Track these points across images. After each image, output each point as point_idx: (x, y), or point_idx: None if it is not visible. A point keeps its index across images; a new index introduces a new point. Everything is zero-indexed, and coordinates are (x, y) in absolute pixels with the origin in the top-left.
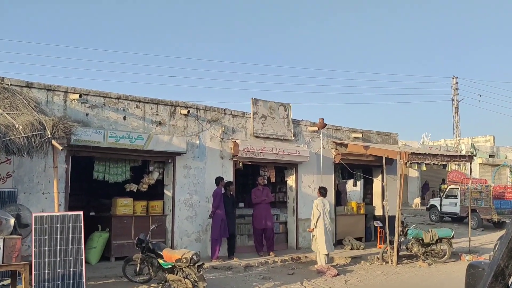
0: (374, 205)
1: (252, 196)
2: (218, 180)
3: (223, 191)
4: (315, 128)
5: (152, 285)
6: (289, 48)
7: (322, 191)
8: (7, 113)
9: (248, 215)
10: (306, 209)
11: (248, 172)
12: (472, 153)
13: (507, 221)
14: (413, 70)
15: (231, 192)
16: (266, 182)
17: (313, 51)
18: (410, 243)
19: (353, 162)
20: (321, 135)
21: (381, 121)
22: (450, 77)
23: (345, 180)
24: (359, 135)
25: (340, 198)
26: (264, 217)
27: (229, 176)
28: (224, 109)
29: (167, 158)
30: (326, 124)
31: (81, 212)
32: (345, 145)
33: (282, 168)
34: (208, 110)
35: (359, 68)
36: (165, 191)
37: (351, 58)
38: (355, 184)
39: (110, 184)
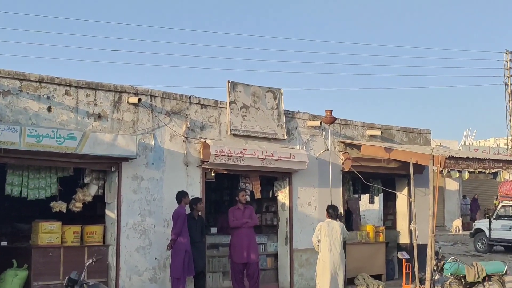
0: (398, 229)
1: (229, 218)
2: (181, 196)
3: (188, 211)
4: (317, 123)
5: None
6: (287, 20)
7: (331, 212)
8: None
9: (224, 244)
10: (304, 236)
11: (223, 185)
12: None
13: None
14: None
15: (199, 213)
16: (248, 198)
17: (318, 23)
18: (448, 282)
19: (369, 170)
20: (324, 133)
21: (408, 113)
22: (502, 52)
23: (357, 196)
24: (377, 133)
25: (351, 220)
26: (245, 247)
27: (196, 191)
28: (190, 97)
29: (109, 166)
30: (336, 119)
31: None
32: (358, 147)
33: (271, 178)
34: (167, 98)
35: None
36: (106, 211)
37: (364, 33)
38: (371, 201)
39: (29, 202)
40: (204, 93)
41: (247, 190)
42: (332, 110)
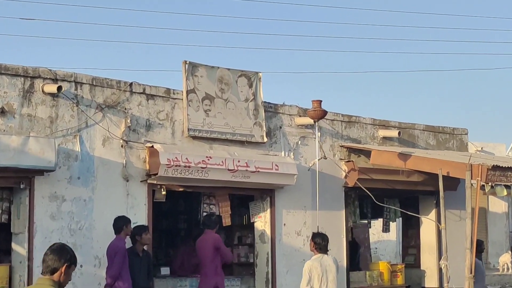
0: (422, 268)
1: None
2: (122, 223)
3: (129, 244)
4: (309, 121)
5: None
6: None
7: (319, 242)
8: None
9: None
10: (291, 279)
11: (177, 208)
12: None
13: None
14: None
15: (145, 247)
16: (215, 225)
17: None
18: None
19: (382, 186)
20: (320, 134)
21: (436, 107)
22: None
23: (366, 221)
24: (394, 133)
25: (358, 255)
26: None
27: (140, 216)
28: (131, 84)
29: (16, 181)
30: (326, 112)
31: None
32: (367, 153)
33: (245, 198)
34: (99, 85)
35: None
36: (13, 246)
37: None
38: (386, 229)
39: None
40: (152, 79)
41: (212, 214)
42: (321, 101)
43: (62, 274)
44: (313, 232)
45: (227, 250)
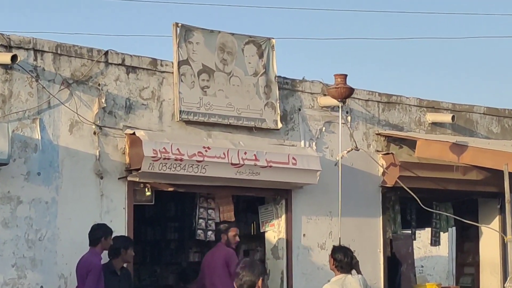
0: None
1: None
2: (100, 234)
3: (104, 260)
4: (335, 101)
5: None
6: None
7: (340, 259)
8: None
9: None
10: None
11: (167, 213)
12: None
13: None
14: None
15: (125, 264)
16: (211, 236)
17: None
18: None
19: (431, 186)
20: (350, 118)
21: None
22: None
23: (410, 231)
24: (446, 118)
25: (399, 275)
26: None
27: (118, 223)
28: (106, 53)
29: None
30: (353, 90)
31: None
32: (411, 143)
33: (254, 201)
34: (65, 54)
35: None
36: None
37: None
38: (435, 242)
39: None
40: (134, 47)
41: (208, 220)
42: (346, 75)
43: None
44: (333, 246)
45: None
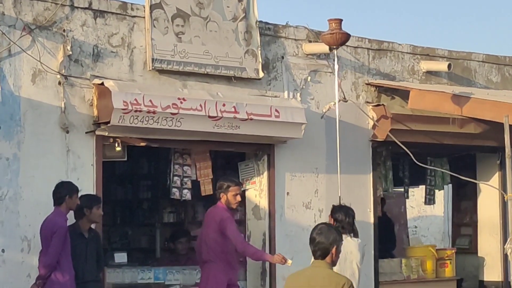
0: (480, 255)
1: (231, 232)
2: (64, 192)
3: (70, 221)
4: (323, 48)
5: None
6: None
7: (341, 219)
8: None
9: (138, 283)
10: (297, 269)
11: (139, 170)
12: None
13: None
14: None
15: (93, 226)
16: (187, 195)
17: None
18: None
19: (425, 140)
20: (337, 67)
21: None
22: None
23: (403, 189)
24: (442, 66)
25: (392, 235)
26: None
27: (86, 182)
28: None
29: None
30: (349, 36)
31: None
32: (404, 94)
33: (233, 157)
34: None
35: None
36: None
37: None
38: (429, 200)
39: None
40: None
41: (183, 178)
42: (341, 20)
43: (333, 255)
44: (333, 205)
45: (234, 234)
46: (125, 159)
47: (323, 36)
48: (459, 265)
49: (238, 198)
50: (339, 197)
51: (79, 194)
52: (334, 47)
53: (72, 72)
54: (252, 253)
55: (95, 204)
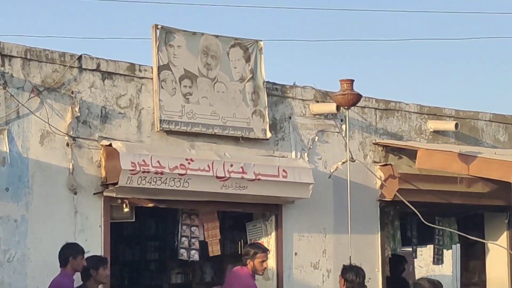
0: None
1: None
2: (70, 253)
3: (77, 282)
4: (331, 108)
5: None
6: None
7: (352, 279)
8: None
9: None
10: None
11: (146, 231)
12: None
13: None
14: None
15: (100, 287)
16: (195, 256)
17: None
18: None
19: (433, 199)
20: (346, 127)
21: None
22: None
23: (411, 249)
24: (449, 126)
25: None
26: None
27: (93, 243)
28: (80, 57)
29: None
30: (360, 97)
31: None
32: (411, 153)
33: (241, 217)
34: (35, 59)
35: None
36: None
37: None
38: (437, 260)
39: None
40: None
41: (191, 239)
42: (352, 80)
43: None
44: (343, 266)
45: None
46: (133, 220)
47: (335, 97)
48: None
49: (265, 265)
50: (349, 257)
51: (86, 255)
52: (346, 107)
53: (80, 134)
54: None
55: (102, 265)
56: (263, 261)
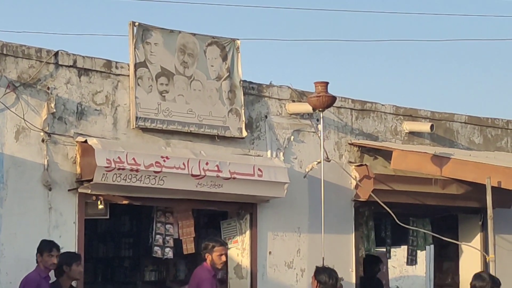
0: None
1: None
2: (42, 248)
3: (52, 278)
4: (306, 108)
5: None
6: None
7: (325, 281)
8: None
9: None
10: None
11: (121, 228)
12: None
13: None
14: None
15: (73, 283)
16: (169, 254)
17: None
18: None
19: (408, 200)
20: (321, 127)
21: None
22: None
23: (385, 250)
24: (425, 127)
25: None
26: None
27: (68, 239)
28: (56, 53)
29: None
30: (335, 99)
31: None
32: (387, 154)
33: (215, 216)
34: (11, 54)
35: None
36: None
37: None
38: (411, 261)
39: None
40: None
41: (165, 236)
42: (327, 83)
43: None
44: (316, 267)
45: None
46: (107, 217)
47: (309, 99)
48: None
49: (223, 258)
50: (323, 258)
51: (61, 251)
52: (320, 109)
53: (56, 130)
54: None
55: (75, 261)
56: (221, 255)
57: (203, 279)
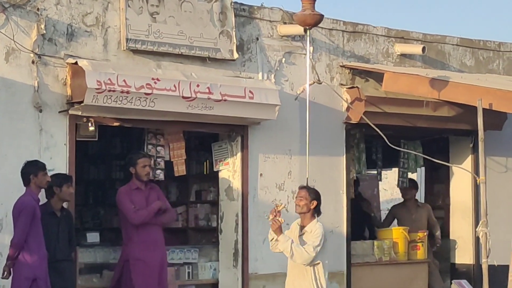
0: (452, 237)
1: (124, 206)
2: (31, 171)
3: (42, 200)
4: (298, 30)
5: None
6: None
7: (313, 196)
8: None
9: (113, 264)
10: (270, 251)
11: (112, 150)
12: None
13: None
14: None
15: (65, 204)
16: (160, 175)
17: None
18: None
19: (399, 123)
20: (312, 49)
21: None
22: None
23: (376, 172)
24: (416, 49)
25: (366, 219)
26: (149, 273)
27: (59, 161)
28: None
29: None
30: (322, 16)
31: None
32: (378, 76)
33: (207, 138)
34: None
35: None
36: None
37: None
38: (402, 183)
39: None
40: None
41: (157, 158)
42: (315, 0)
43: None
44: (299, 187)
45: (124, 207)
46: (96, 139)
47: (296, 16)
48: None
49: (147, 169)
50: (307, 178)
51: (51, 173)
52: (308, 27)
53: (46, 51)
54: (146, 216)
55: (65, 182)
56: (144, 166)
57: (118, 192)
